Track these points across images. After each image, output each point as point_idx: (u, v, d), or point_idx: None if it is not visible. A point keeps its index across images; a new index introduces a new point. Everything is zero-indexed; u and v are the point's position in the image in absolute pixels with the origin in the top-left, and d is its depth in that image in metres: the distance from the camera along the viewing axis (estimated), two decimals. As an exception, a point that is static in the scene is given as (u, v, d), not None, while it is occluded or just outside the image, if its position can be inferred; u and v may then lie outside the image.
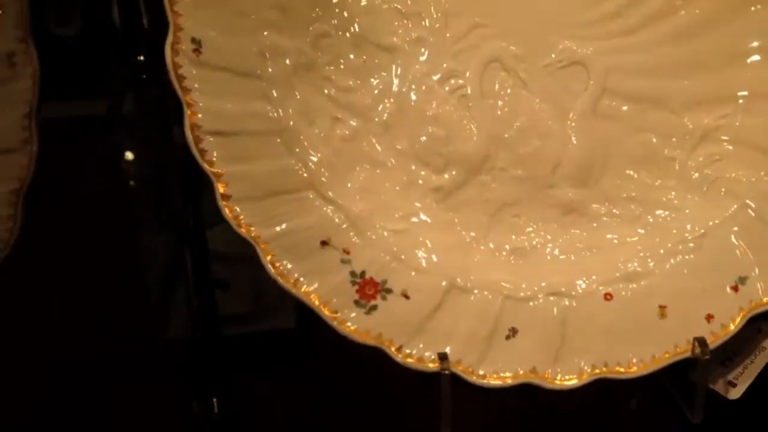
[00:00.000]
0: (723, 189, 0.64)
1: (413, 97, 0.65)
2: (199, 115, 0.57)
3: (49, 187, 0.63)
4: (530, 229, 0.66)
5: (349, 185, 0.63)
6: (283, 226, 0.60)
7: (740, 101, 0.64)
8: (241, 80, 0.59)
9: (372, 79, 0.64)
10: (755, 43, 0.63)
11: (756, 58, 0.64)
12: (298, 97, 0.62)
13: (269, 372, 0.75)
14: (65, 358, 0.73)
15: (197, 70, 0.57)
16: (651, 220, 0.66)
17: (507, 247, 0.65)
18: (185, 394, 0.74)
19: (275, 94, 0.61)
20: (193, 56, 0.56)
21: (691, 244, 0.64)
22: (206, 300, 0.76)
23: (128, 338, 0.74)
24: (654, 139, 0.66)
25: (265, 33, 0.60)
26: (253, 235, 0.58)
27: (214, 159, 0.58)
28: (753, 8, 0.63)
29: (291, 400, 0.74)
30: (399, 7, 0.64)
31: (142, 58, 0.69)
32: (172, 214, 0.76)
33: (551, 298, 0.63)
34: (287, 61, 0.61)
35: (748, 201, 0.63)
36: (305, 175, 0.61)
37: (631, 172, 0.66)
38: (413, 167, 0.65)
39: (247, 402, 0.74)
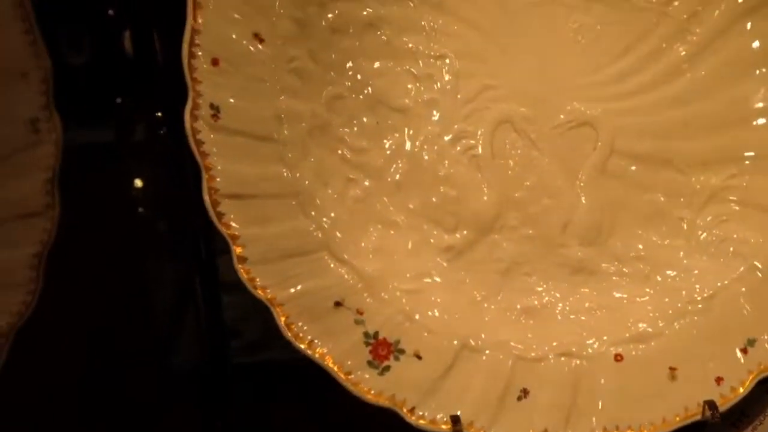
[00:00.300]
0: (731, 249, 0.65)
1: (425, 157, 0.65)
2: (217, 179, 0.57)
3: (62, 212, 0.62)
4: (541, 288, 0.66)
5: (363, 245, 0.64)
6: (299, 287, 0.60)
7: (746, 162, 0.65)
8: (257, 144, 0.59)
9: (385, 140, 0.65)
10: (760, 104, 0.64)
11: (762, 120, 0.64)
12: (313, 158, 0.62)
13: (276, 401, 0.75)
14: (74, 385, 0.72)
15: (215, 134, 0.57)
16: (660, 279, 0.66)
17: (518, 306, 0.66)
18: (194, 422, 0.74)
19: (291, 157, 0.61)
20: (212, 121, 0.57)
21: (700, 305, 0.64)
22: (216, 329, 0.76)
23: (138, 366, 0.74)
24: (662, 199, 0.66)
25: (282, 97, 0.60)
26: (269, 297, 0.59)
27: (232, 222, 0.58)
28: (758, 71, 0.64)
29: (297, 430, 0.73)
30: (411, 69, 0.65)
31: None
32: (183, 243, 0.76)
33: (562, 358, 0.63)
34: (302, 124, 0.62)
35: (755, 262, 0.64)
36: (320, 236, 0.62)
37: (640, 232, 0.67)
38: (425, 227, 0.65)
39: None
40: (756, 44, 0.63)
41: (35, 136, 0.56)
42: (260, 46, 0.58)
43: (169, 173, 0.74)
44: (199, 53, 0.56)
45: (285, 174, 0.61)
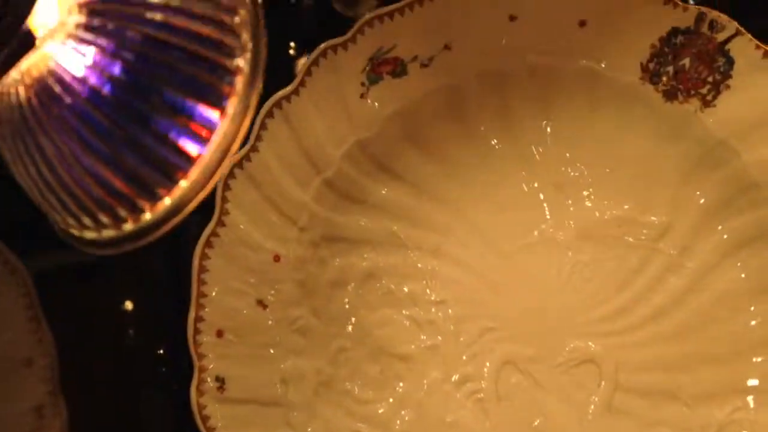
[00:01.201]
0: None
1: (430, 404, 0.65)
2: (225, 453, 0.56)
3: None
4: None
5: None
6: None
7: (750, 395, 0.64)
8: (263, 409, 0.59)
9: (390, 390, 0.64)
10: (754, 335, 0.64)
11: (760, 352, 0.64)
12: (319, 417, 0.62)
13: None
14: None
15: (221, 406, 0.57)
16: None
17: None
18: None
19: (297, 417, 0.60)
20: (218, 393, 0.56)
21: None
22: None
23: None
24: (670, 433, 0.65)
25: (288, 360, 0.60)
26: None
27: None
28: (752, 307, 0.64)
29: None
30: (413, 316, 0.65)
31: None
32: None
33: None
34: (308, 383, 0.62)
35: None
36: (325, 499, 0.60)
37: (648, 471, 0.65)
38: (433, 478, 0.64)
39: None
40: (746, 279, 0.63)
41: (40, 422, 0.55)
42: (264, 312, 0.59)
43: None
44: (204, 328, 0.56)
45: (291, 436, 0.60)
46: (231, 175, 0.59)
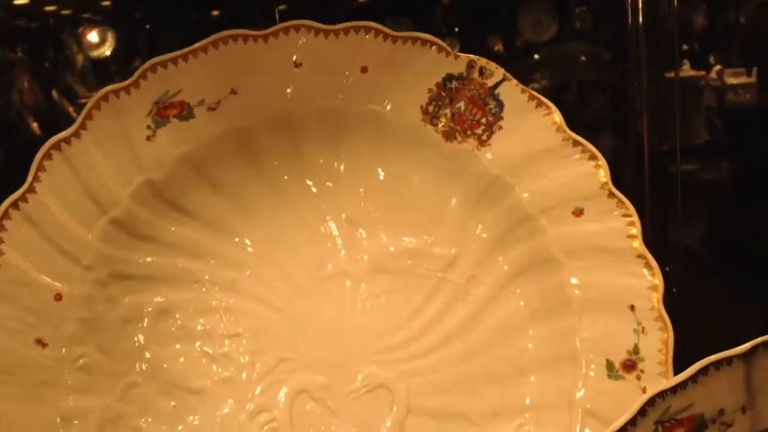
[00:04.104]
0: None
1: (225, 436, 0.63)
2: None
3: None
4: None
5: None
6: None
7: (527, 413, 0.65)
8: (40, 451, 0.56)
9: (182, 423, 0.63)
10: (534, 360, 0.65)
11: (537, 373, 0.65)
12: None
13: None
14: None
15: (-8, 448, 0.54)
16: None
17: None
18: None
19: (77, 459, 0.58)
20: (-11, 436, 0.54)
21: None
22: None
23: None
24: (460, 451, 0.65)
25: (69, 397, 0.58)
26: None
27: None
28: (531, 331, 0.65)
29: None
30: (207, 350, 0.64)
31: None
32: None
33: None
34: (91, 421, 0.59)
35: None
36: None
37: (442, 489, 0.65)
38: (223, 507, 0.62)
39: None
40: (524, 304, 0.65)
41: None
42: (43, 351, 0.56)
43: None
44: (-29, 368, 0.53)
45: (68, 479, 0.57)
46: (6, 215, 0.57)
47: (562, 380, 0.64)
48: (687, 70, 0.86)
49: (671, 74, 0.82)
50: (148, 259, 0.64)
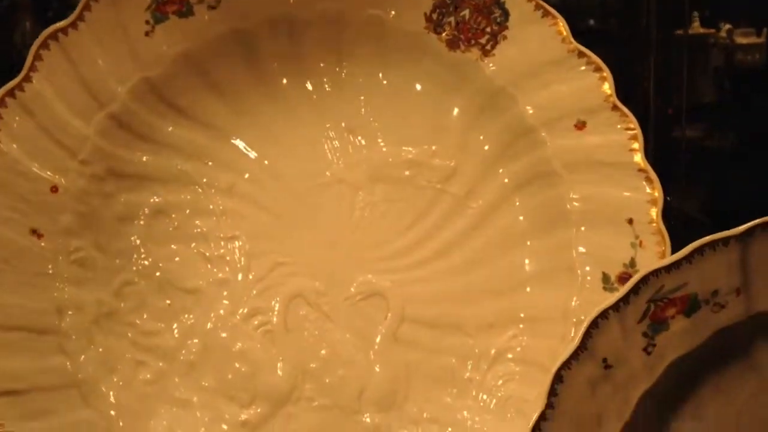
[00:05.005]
0: (513, 409, 0.64)
1: (219, 335, 0.64)
2: (-13, 378, 0.54)
3: None
4: (337, 455, 0.64)
5: (151, 426, 0.60)
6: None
7: (521, 325, 0.65)
8: (35, 337, 0.57)
9: (177, 322, 0.63)
10: (531, 273, 0.65)
11: (532, 285, 0.65)
12: (99, 347, 0.60)
13: None
14: None
15: (-15, 332, 0.54)
16: (451, 440, 0.65)
17: (314, 475, 0.63)
18: None
19: (73, 347, 0.59)
20: (-18, 319, 0.54)
21: (488, 464, 0.63)
22: None
23: None
24: (453, 361, 0.66)
25: (65, 288, 0.58)
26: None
27: (2, 420, 0.54)
28: (528, 242, 0.65)
29: None
30: (203, 252, 0.64)
31: None
32: None
33: None
34: (87, 313, 0.60)
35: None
36: (103, 424, 0.58)
37: (433, 394, 0.66)
38: (219, 404, 0.63)
39: None
40: (523, 217, 0.65)
41: None
42: (38, 241, 0.56)
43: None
44: (-31, 254, 0.53)
45: (66, 365, 0.58)
46: (2, 104, 0.56)
47: (558, 292, 0.63)
48: (696, 28, 0.85)
49: (680, 32, 0.81)
50: (144, 159, 0.63)
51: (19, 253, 0.56)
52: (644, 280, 0.40)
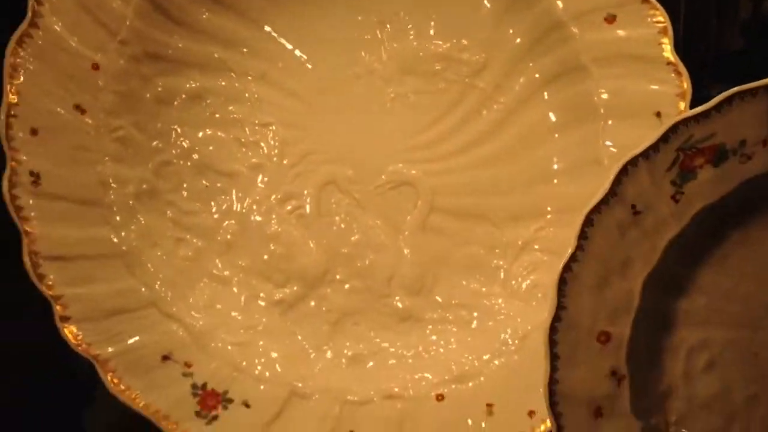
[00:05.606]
0: (540, 295, 0.66)
1: (254, 218, 0.65)
2: (37, 242, 0.56)
3: None
4: (369, 336, 0.66)
5: (192, 301, 0.63)
6: (124, 343, 0.59)
7: (549, 216, 0.66)
8: (81, 208, 0.59)
9: (214, 202, 0.65)
10: (557, 166, 0.66)
11: (560, 177, 0.66)
12: (141, 221, 0.62)
13: None
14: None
15: (35, 200, 0.56)
16: (479, 324, 0.67)
17: (347, 353, 0.65)
18: None
19: (117, 220, 0.60)
20: (32, 188, 0.56)
21: (514, 347, 0.65)
22: None
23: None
24: (480, 251, 0.67)
25: (107, 164, 0.60)
26: (92, 354, 0.57)
27: (52, 283, 0.56)
28: (556, 135, 0.66)
29: None
30: (238, 137, 0.66)
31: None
32: None
33: (387, 401, 0.63)
34: (129, 189, 0.61)
35: (562, 305, 0.65)
36: (147, 294, 0.61)
37: (461, 281, 0.67)
38: (255, 283, 0.65)
39: None
40: (552, 112, 0.66)
41: None
42: (82, 117, 0.58)
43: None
44: (17, 125, 0.55)
45: (111, 236, 0.60)
46: (45, -21, 0.57)
47: (585, 184, 0.64)
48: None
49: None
50: (181, 45, 0.64)
51: (64, 127, 0.58)
52: (673, 128, 0.41)
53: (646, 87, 0.61)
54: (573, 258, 0.45)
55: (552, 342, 0.47)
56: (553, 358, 0.47)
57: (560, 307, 0.46)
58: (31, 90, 0.56)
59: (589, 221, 0.44)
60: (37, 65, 0.57)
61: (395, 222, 0.67)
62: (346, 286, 0.66)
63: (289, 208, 0.66)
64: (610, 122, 0.62)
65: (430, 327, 0.67)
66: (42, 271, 0.56)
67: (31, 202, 0.56)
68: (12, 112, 0.55)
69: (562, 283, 0.46)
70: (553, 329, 0.47)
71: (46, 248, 0.56)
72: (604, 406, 0.48)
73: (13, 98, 0.55)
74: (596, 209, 0.44)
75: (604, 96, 0.62)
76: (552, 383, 0.47)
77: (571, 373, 0.47)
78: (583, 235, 0.45)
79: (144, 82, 0.62)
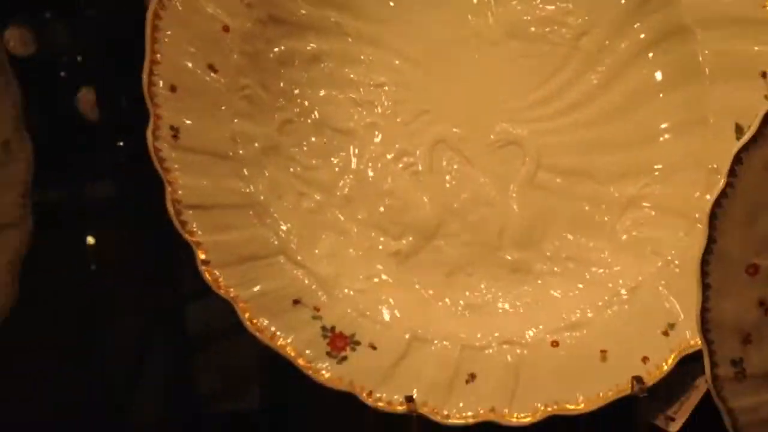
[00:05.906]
0: (648, 248, 0.67)
1: (370, 173, 0.68)
2: (179, 192, 0.60)
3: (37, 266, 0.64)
4: (482, 286, 0.68)
5: (317, 251, 0.66)
6: (259, 287, 0.62)
7: (656, 173, 0.67)
8: (215, 161, 0.62)
9: (333, 159, 0.68)
10: (664, 125, 0.67)
11: (665, 137, 0.67)
12: (267, 174, 0.65)
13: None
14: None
15: (176, 153, 0.60)
16: (588, 276, 0.68)
17: (462, 302, 0.67)
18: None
19: (246, 173, 0.64)
20: (172, 141, 0.60)
21: (625, 297, 0.66)
22: (180, 380, 0.76)
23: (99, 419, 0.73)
24: (587, 207, 0.69)
25: (236, 120, 0.63)
26: (232, 295, 0.60)
27: (194, 229, 0.60)
28: (661, 95, 0.67)
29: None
30: (354, 96, 0.68)
31: (121, 143, 0.72)
32: (148, 295, 0.76)
33: (504, 346, 0.65)
34: (256, 144, 0.65)
35: (670, 258, 0.66)
36: (276, 242, 0.64)
37: (569, 235, 0.69)
38: (373, 234, 0.68)
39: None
40: (658, 72, 0.67)
41: (7, 156, 0.58)
42: (214, 75, 0.61)
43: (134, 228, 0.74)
44: (159, 81, 0.58)
45: (242, 188, 0.63)
46: (180, -53, 0.61)
47: (691, 143, 0.65)
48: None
49: None
50: (303, 12, 0.67)
51: (198, 84, 0.61)
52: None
53: (751, 48, 0.62)
54: (723, 194, 0.47)
55: (704, 273, 0.48)
56: (705, 288, 0.48)
57: (711, 240, 0.48)
58: (170, 50, 0.60)
59: (738, 159, 0.46)
60: (175, 27, 0.60)
61: (504, 179, 0.69)
62: (459, 239, 0.68)
63: (402, 165, 0.68)
64: (715, 83, 0.63)
65: (540, 279, 0.68)
66: (184, 218, 0.60)
67: (172, 154, 0.60)
68: (154, 71, 0.59)
69: (713, 217, 0.47)
70: (704, 261, 0.48)
71: (186, 197, 0.60)
72: (753, 334, 0.50)
73: (155, 57, 0.58)
74: (744, 148, 0.46)
75: (709, 58, 0.63)
76: (704, 311, 0.49)
77: (721, 303, 0.49)
78: (732, 173, 0.47)
79: (268, 44, 0.66)
